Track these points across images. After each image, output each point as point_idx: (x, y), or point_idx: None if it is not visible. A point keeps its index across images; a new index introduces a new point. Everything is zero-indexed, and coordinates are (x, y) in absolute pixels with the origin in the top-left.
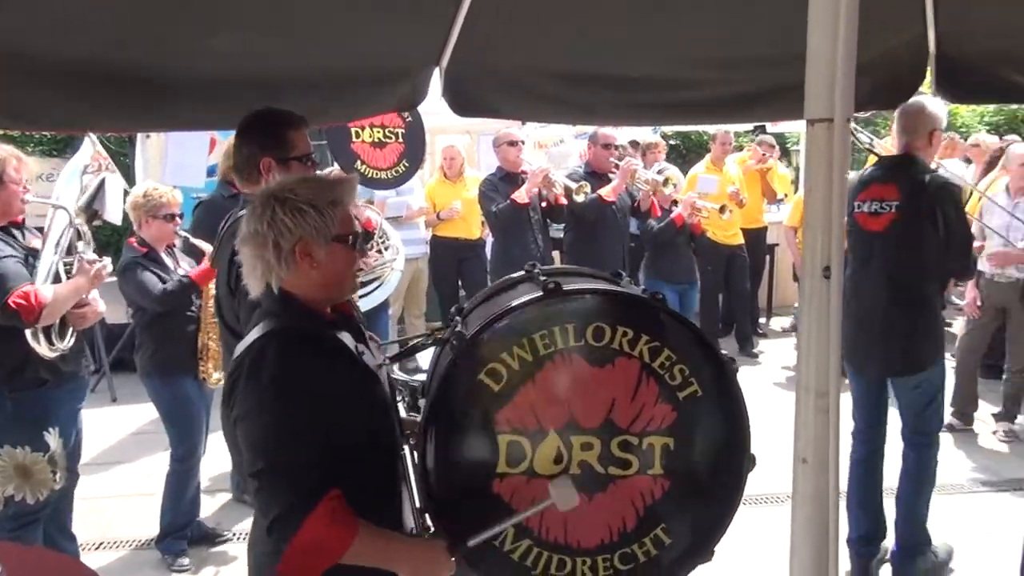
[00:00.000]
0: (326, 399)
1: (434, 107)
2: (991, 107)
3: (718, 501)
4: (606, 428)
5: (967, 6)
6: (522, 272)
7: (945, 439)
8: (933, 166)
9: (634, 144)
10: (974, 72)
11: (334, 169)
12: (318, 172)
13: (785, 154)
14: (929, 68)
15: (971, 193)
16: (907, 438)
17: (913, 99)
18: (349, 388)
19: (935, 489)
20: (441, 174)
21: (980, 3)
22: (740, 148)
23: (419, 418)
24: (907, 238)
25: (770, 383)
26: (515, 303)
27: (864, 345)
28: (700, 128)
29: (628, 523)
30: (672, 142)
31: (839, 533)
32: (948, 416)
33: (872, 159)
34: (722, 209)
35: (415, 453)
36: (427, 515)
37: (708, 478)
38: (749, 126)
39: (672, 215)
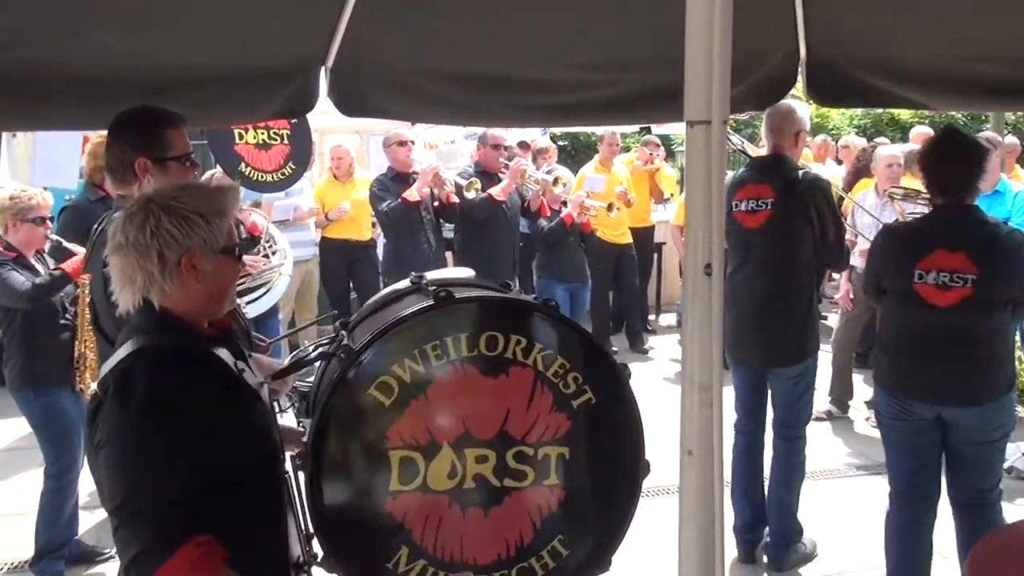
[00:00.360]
0: (200, 425)
1: (322, 106)
2: (860, 110)
3: (614, 509)
4: (501, 440)
5: (836, 16)
6: (408, 283)
7: (824, 427)
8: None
9: (523, 145)
10: (842, 77)
11: (216, 171)
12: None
13: (671, 155)
14: (800, 73)
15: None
16: (778, 430)
17: (780, 102)
18: (227, 411)
19: (815, 475)
20: (330, 175)
21: (847, 13)
22: (627, 149)
23: (306, 433)
24: (783, 234)
25: (660, 378)
26: (405, 313)
27: (745, 339)
28: (588, 129)
29: (525, 536)
30: (561, 143)
31: (724, 522)
32: (826, 404)
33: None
34: (609, 207)
35: (301, 475)
36: (315, 541)
37: (604, 486)
38: (635, 128)
39: (561, 215)
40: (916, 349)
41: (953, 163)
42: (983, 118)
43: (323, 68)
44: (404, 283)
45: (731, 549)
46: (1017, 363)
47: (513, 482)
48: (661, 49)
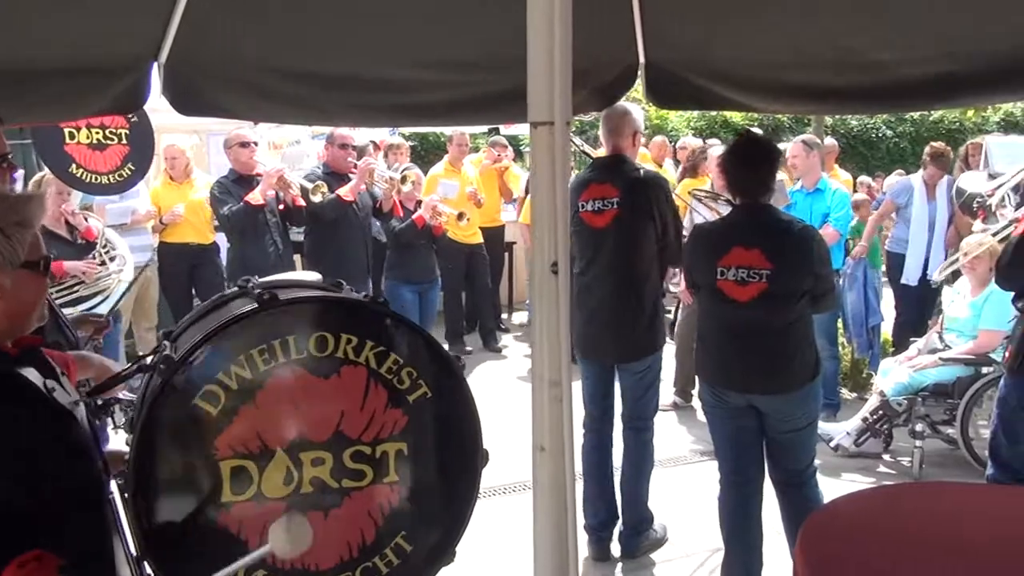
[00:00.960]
0: (5, 453)
1: (157, 104)
2: (696, 113)
3: (456, 500)
4: (337, 440)
5: (671, 22)
6: (235, 288)
7: (670, 416)
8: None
9: (374, 145)
10: (677, 81)
11: (44, 174)
12: (22, 179)
13: (520, 155)
14: (640, 76)
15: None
16: (627, 422)
17: (617, 104)
18: (38, 435)
19: (664, 463)
20: (166, 176)
21: (682, 20)
22: (477, 150)
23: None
24: (630, 232)
25: (514, 376)
26: (227, 318)
27: (596, 336)
28: (437, 129)
29: (367, 536)
30: (410, 143)
31: (577, 517)
32: (671, 396)
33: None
34: (460, 216)
35: (126, 494)
36: (146, 563)
37: (444, 479)
38: (484, 128)
39: (413, 216)
40: (725, 342)
41: (749, 166)
42: (806, 120)
43: (156, 64)
44: (231, 289)
45: (584, 547)
46: (841, 348)
47: (352, 482)
48: (507, 51)
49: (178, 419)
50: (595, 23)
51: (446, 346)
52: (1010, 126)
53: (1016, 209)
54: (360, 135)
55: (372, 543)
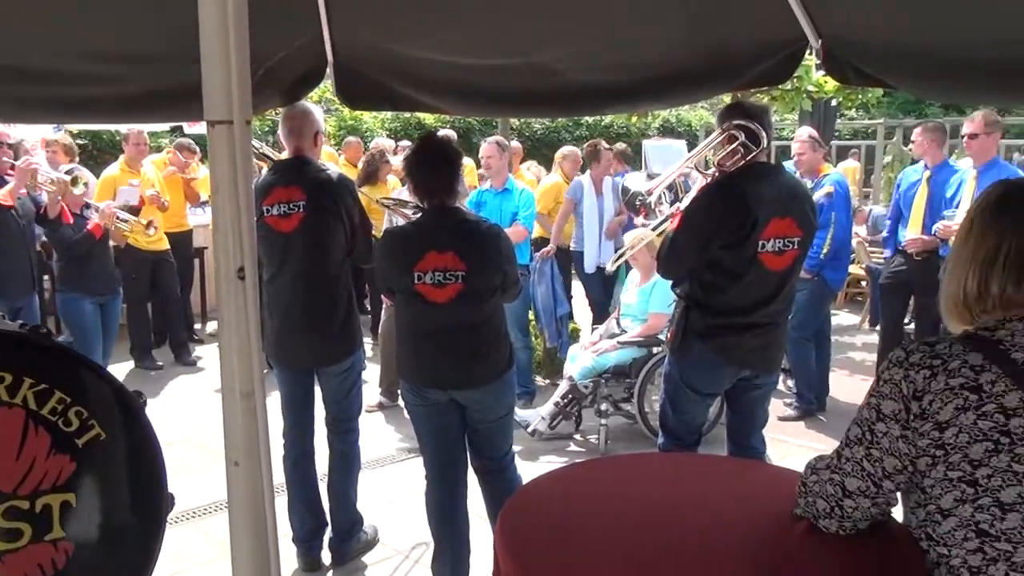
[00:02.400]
0: None
1: None
2: (390, 114)
3: (136, 550)
4: None
5: (357, 20)
6: None
7: (377, 417)
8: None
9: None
10: (368, 81)
11: None
12: None
13: (207, 156)
14: (329, 74)
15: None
16: (332, 426)
17: (296, 105)
18: None
19: (371, 464)
20: None
21: (369, 19)
22: (159, 149)
23: None
24: (319, 235)
25: (211, 389)
26: None
27: (292, 341)
28: (111, 127)
29: None
30: (80, 142)
31: (278, 532)
32: (377, 395)
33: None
34: (148, 225)
35: None
36: None
37: (122, 526)
38: (166, 126)
39: (89, 226)
40: (426, 342)
41: (434, 168)
42: (493, 123)
43: None
44: None
45: (292, 560)
46: (533, 338)
47: (6, 544)
48: (183, 43)
49: None
50: (279, 18)
51: (133, 363)
52: (667, 131)
53: (671, 205)
54: (16, 132)
55: None
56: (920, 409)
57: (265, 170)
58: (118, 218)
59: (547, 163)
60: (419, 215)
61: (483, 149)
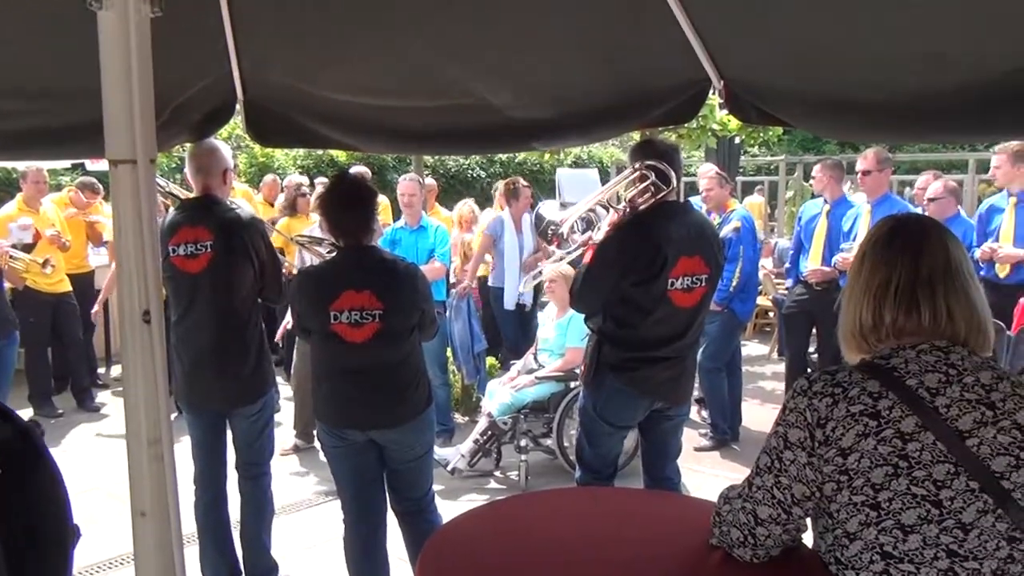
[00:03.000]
0: None
1: None
2: (303, 151)
3: None
4: None
5: (267, 56)
6: None
7: (292, 460)
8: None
9: None
10: (279, 118)
11: None
12: None
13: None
14: (239, 111)
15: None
16: (244, 470)
17: (204, 141)
18: None
19: (286, 509)
20: None
21: (279, 55)
22: (59, 187)
23: None
24: (227, 275)
25: (116, 436)
26: None
27: (200, 385)
28: (7, 164)
29: None
30: None
31: None
32: (292, 438)
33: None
34: (44, 264)
35: None
36: None
37: (23, 568)
38: (67, 163)
39: None
40: (343, 382)
41: (349, 206)
42: (407, 160)
43: None
44: None
45: None
46: (452, 375)
47: None
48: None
49: None
50: (185, 54)
51: (32, 410)
52: (579, 166)
53: (582, 234)
54: None
55: None
56: (824, 436)
57: (172, 209)
58: (11, 256)
59: (458, 199)
60: (334, 254)
61: (402, 186)
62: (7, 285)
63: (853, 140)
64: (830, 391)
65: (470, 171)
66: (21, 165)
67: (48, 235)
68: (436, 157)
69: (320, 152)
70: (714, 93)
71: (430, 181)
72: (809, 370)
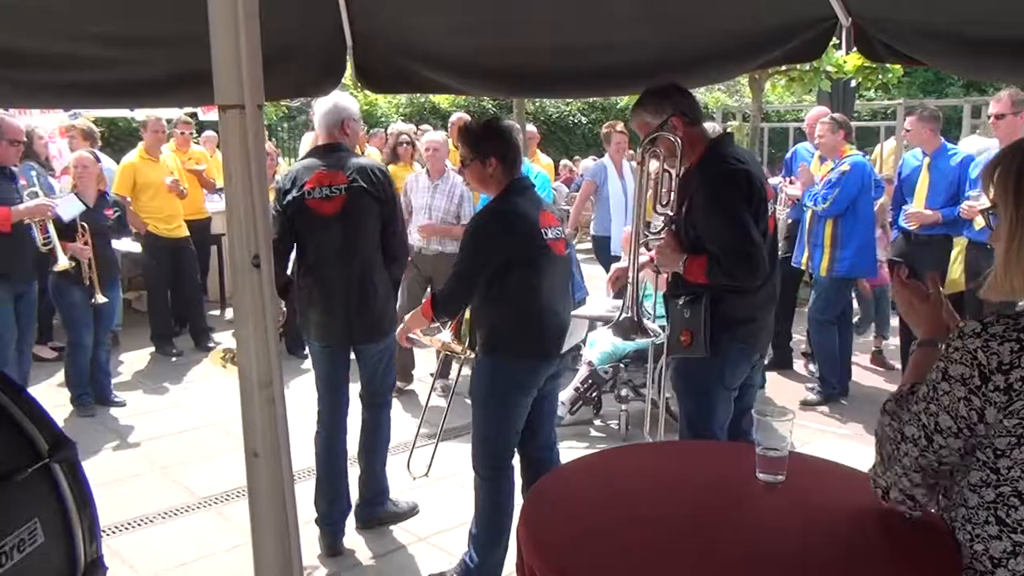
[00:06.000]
0: None
1: None
2: (404, 98)
3: None
4: None
5: (374, 6)
6: None
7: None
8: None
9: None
10: (385, 66)
11: None
12: None
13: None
14: (349, 59)
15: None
16: (368, 399)
17: (330, 94)
18: None
19: (391, 447)
20: None
21: (386, 5)
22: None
23: None
24: (358, 216)
25: (232, 376)
26: None
27: (333, 322)
28: (127, 114)
29: None
30: (100, 128)
31: (299, 521)
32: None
33: None
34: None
35: None
36: None
37: None
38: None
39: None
40: (560, 296)
41: (516, 141)
42: (508, 106)
43: None
44: None
45: (314, 544)
46: None
47: None
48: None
49: None
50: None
51: (152, 349)
52: None
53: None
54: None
55: None
56: (1007, 384)
57: (303, 155)
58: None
59: (563, 147)
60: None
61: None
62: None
63: (993, 79)
64: (1015, 336)
65: (571, 117)
66: (140, 115)
67: (168, 182)
68: (537, 103)
69: (422, 99)
70: (838, 35)
71: (531, 128)
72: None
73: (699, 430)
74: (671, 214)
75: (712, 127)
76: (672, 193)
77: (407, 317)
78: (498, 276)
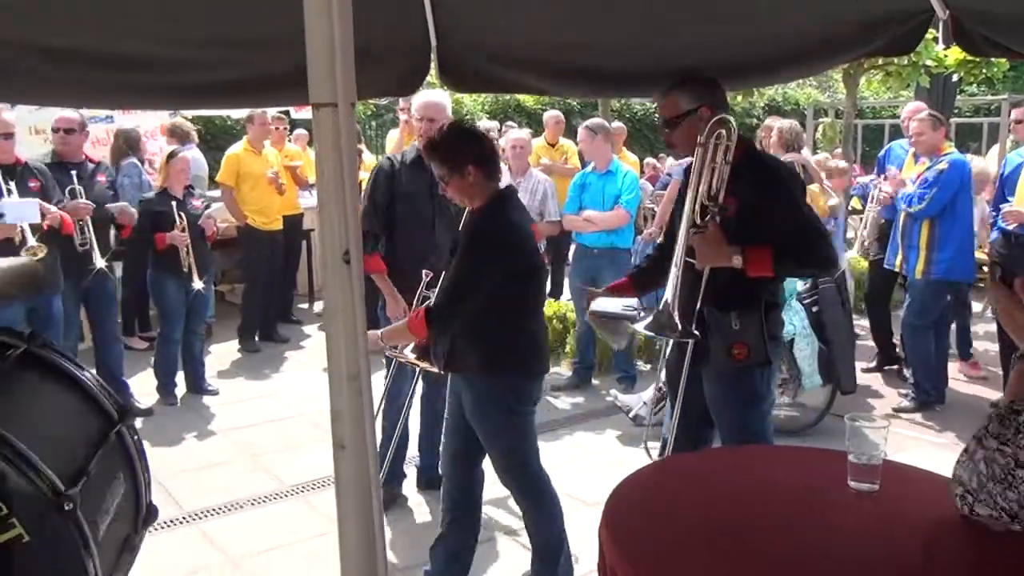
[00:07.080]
0: None
1: None
2: (490, 96)
3: None
4: None
5: (459, 6)
6: None
7: None
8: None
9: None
10: (468, 65)
11: None
12: None
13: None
14: (433, 60)
15: None
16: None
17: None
18: None
19: None
20: None
21: (471, 4)
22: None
23: None
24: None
25: (319, 368)
26: None
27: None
28: (223, 113)
29: None
30: (197, 127)
31: (383, 514)
32: None
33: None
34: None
35: None
36: None
37: None
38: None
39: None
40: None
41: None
42: (594, 104)
43: None
44: None
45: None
46: None
47: None
48: (283, 28)
49: None
50: (384, 4)
51: (236, 342)
52: (773, 110)
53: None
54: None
55: None
56: None
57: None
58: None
59: (648, 144)
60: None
61: (578, 134)
62: (217, 224)
63: None
64: None
65: (657, 115)
66: (235, 113)
67: (268, 176)
68: (623, 101)
69: (507, 97)
70: (936, 27)
71: (618, 124)
72: None
73: (758, 439)
74: (716, 207)
75: (790, 124)
76: (723, 186)
77: (389, 329)
78: (498, 291)
